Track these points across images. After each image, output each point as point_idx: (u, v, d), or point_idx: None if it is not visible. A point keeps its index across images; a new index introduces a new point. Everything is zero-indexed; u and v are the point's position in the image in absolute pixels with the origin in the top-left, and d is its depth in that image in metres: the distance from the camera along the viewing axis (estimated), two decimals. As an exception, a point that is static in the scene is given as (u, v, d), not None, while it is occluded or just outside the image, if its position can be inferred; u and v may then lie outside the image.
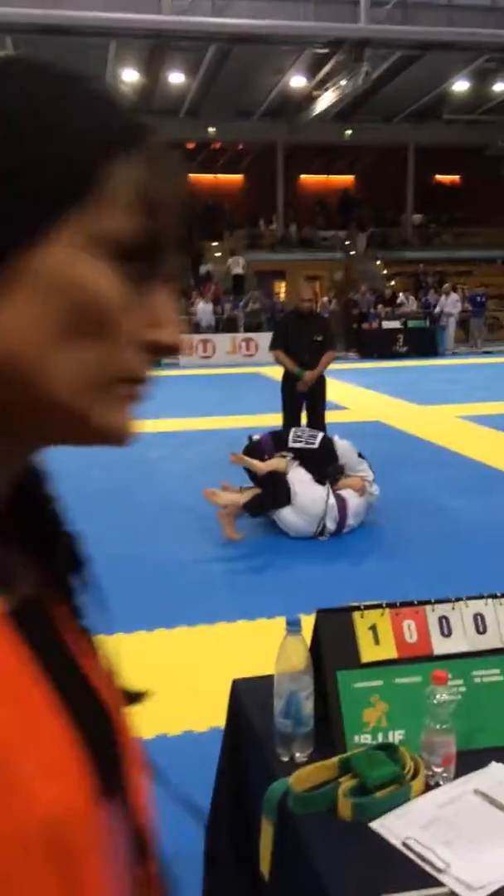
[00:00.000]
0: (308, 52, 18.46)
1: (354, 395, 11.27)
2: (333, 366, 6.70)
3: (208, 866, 1.73)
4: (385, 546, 4.64)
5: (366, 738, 1.40)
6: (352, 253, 24.42)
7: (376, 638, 1.47)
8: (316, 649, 1.46)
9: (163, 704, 2.84)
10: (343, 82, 18.40)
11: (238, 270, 22.18)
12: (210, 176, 28.34)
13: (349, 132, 24.16)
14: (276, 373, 6.59)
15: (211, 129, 23.41)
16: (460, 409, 9.60)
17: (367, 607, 1.49)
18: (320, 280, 24.11)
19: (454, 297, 18.47)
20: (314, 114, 20.99)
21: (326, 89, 19.58)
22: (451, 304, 18.38)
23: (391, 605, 1.50)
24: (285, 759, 1.39)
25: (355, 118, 23.35)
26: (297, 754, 1.39)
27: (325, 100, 19.87)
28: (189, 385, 12.99)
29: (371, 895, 1.09)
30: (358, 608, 1.49)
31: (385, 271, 23.78)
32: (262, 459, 4.94)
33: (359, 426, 8.39)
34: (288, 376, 6.32)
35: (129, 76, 19.67)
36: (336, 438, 5.05)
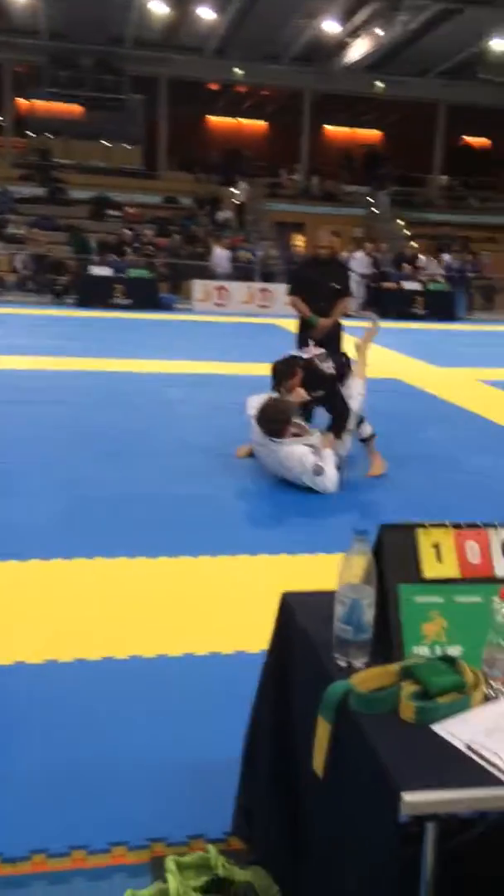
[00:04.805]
0: (344, -5, 17.86)
1: (373, 352, 11.12)
2: (352, 323, 6.59)
3: (246, 772, 1.77)
4: (404, 499, 4.58)
5: (423, 651, 1.41)
6: (374, 210, 23.97)
7: (439, 556, 1.47)
8: (378, 563, 1.46)
9: (214, 624, 2.89)
10: (378, 31, 17.82)
11: (241, 198, 21.75)
12: (233, 120, 27.64)
13: (379, 84, 23.49)
14: (292, 325, 6.48)
15: (237, 71, 22.70)
16: (481, 372, 9.50)
17: (432, 525, 1.49)
18: (340, 236, 23.70)
19: (365, 258, 16.11)
20: (345, 62, 20.36)
21: (359, 37, 18.96)
22: (358, 264, 15.52)
23: (455, 525, 1.50)
24: (342, 664, 1.41)
25: (386, 70, 22.67)
26: (354, 661, 1.41)
27: (358, 48, 19.26)
28: (203, 331, 12.87)
29: (440, 788, 1.10)
30: (423, 525, 1.49)
31: (407, 231, 23.37)
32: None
33: (377, 383, 8.30)
34: (304, 326, 6.16)
35: (157, 8, 19.04)
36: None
